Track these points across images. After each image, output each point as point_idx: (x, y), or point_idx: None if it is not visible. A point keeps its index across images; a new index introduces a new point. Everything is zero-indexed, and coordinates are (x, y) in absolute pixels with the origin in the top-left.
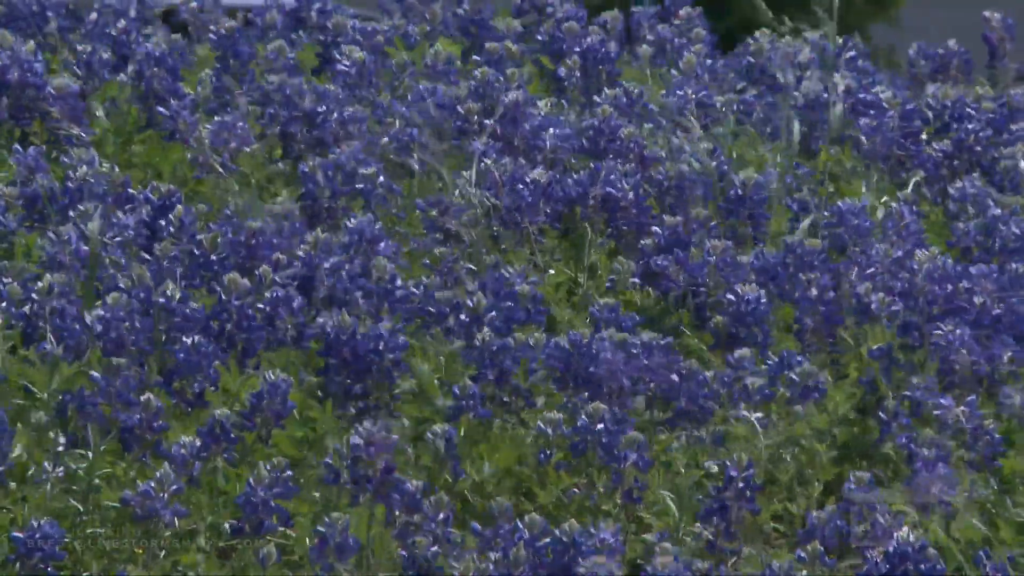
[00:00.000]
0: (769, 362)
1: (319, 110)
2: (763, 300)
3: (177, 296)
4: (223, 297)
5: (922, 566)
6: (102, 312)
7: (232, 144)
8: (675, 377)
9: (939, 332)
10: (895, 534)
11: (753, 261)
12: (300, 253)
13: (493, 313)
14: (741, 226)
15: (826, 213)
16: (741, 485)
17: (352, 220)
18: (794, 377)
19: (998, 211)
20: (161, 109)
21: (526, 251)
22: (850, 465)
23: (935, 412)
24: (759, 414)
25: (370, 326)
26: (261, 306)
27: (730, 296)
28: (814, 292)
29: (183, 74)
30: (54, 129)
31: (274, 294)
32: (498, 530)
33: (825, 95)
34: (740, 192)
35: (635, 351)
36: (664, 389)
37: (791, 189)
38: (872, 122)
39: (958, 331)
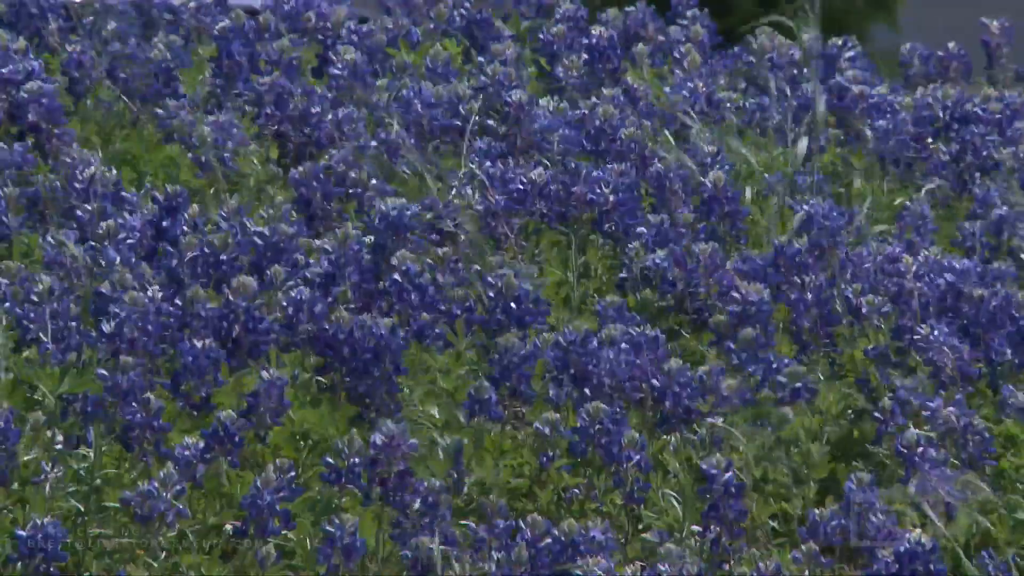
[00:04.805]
0: (754, 367)
1: (312, 111)
2: (766, 301)
3: (186, 298)
4: (230, 299)
5: (932, 566)
6: (119, 311)
7: (231, 144)
8: (662, 377)
9: (919, 334)
10: (906, 534)
11: (738, 263)
12: (328, 247)
13: (505, 313)
14: (726, 226)
15: (816, 212)
16: (724, 486)
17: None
18: (782, 379)
19: (1004, 210)
20: (158, 111)
21: (508, 254)
22: (845, 465)
23: (923, 413)
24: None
25: (369, 325)
26: (284, 305)
27: (734, 296)
28: (807, 293)
29: (181, 75)
30: (36, 132)
31: (297, 295)
32: (494, 529)
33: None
34: (714, 193)
35: (629, 348)
36: (655, 389)
37: (795, 189)
38: (870, 122)
39: (937, 331)
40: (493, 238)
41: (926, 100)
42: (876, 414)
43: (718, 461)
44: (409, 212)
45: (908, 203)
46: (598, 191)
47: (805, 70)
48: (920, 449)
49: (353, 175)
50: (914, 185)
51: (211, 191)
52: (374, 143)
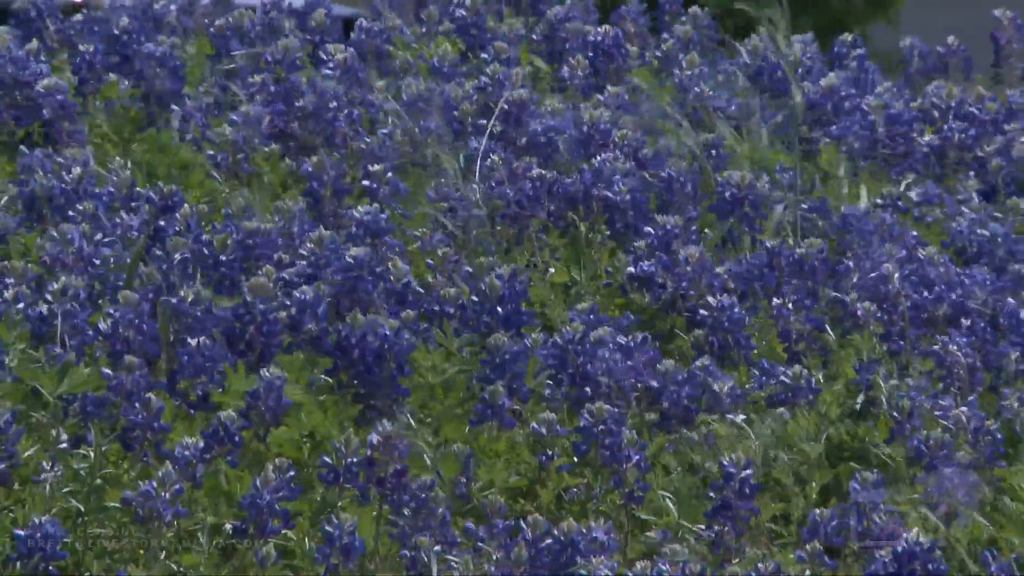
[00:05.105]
0: (755, 373)
1: (315, 108)
2: (736, 308)
3: (191, 298)
4: (247, 299)
5: (930, 566)
6: (114, 313)
7: (254, 142)
8: (657, 378)
9: (939, 342)
10: (904, 534)
11: (732, 267)
12: (303, 252)
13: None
14: (735, 227)
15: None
16: (739, 484)
17: (358, 212)
18: (785, 380)
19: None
20: (175, 108)
21: (527, 251)
22: (846, 467)
23: (936, 414)
24: (741, 416)
25: (375, 325)
26: (288, 305)
27: (705, 305)
28: (790, 300)
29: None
30: (49, 129)
31: (302, 297)
32: (493, 529)
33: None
34: (736, 192)
35: (617, 348)
36: (651, 390)
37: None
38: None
39: (958, 337)
40: (512, 234)
41: (916, 98)
42: (894, 414)
43: (737, 458)
44: (384, 217)
45: (878, 200)
46: (616, 191)
47: (797, 70)
48: (933, 449)
49: (371, 168)
50: (894, 181)
51: (225, 192)
52: (399, 131)
